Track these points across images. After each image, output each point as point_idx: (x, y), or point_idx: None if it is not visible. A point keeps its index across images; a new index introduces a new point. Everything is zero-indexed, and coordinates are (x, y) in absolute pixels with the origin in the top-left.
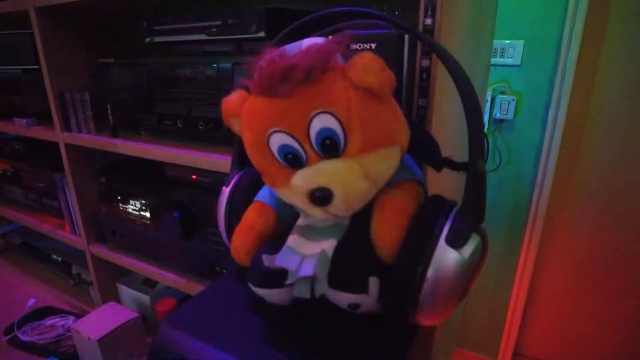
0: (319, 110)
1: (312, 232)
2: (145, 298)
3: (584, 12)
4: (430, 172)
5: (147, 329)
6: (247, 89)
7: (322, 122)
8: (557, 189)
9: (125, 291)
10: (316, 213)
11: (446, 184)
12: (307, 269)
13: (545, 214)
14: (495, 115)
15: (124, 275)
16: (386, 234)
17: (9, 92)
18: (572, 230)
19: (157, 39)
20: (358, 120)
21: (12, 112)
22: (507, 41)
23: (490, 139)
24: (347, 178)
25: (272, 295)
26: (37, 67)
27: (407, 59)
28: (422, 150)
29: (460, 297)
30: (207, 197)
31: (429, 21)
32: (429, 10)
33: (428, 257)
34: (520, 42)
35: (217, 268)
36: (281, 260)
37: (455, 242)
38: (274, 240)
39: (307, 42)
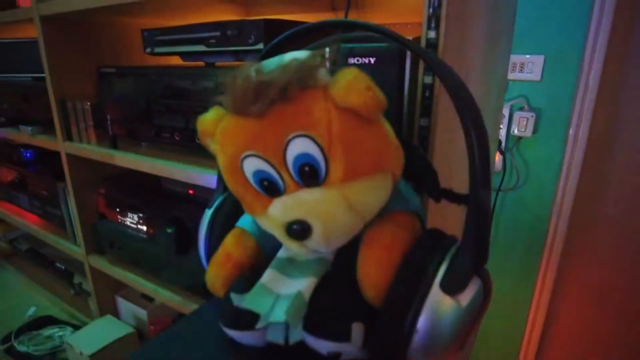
0: (297, 133)
1: (291, 267)
2: (143, 313)
3: (608, 25)
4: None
5: (142, 344)
6: (223, 106)
7: (300, 146)
8: (578, 210)
9: (124, 304)
10: (294, 247)
11: (450, 215)
12: (278, 314)
13: (565, 235)
14: (513, 131)
15: (123, 287)
16: (373, 273)
17: (18, 99)
18: (592, 253)
19: (158, 50)
20: (341, 145)
21: (20, 120)
22: (527, 55)
23: (507, 156)
24: (328, 210)
25: (243, 337)
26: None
27: (409, 75)
28: (420, 177)
29: (457, 349)
30: (202, 212)
31: (432, 34)
32: (433, 21)
33: (419, 304)
34: (541, 57)
35: None
36: (251, 301)
37: (452, 287)
38: (254, 271)
39: (288, 56)
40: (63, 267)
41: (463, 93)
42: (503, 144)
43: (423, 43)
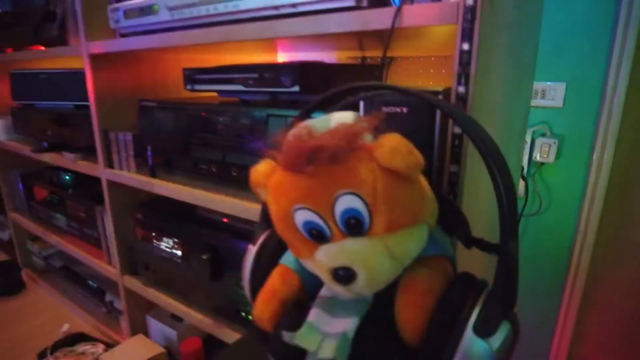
0: (345, 191)
1: (334, 307)
2: (173, 333)
3: (631, 51)
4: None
5: None
6: (275, 159)
7: (347, 202)
8: (602, 236)
9: (154, 324)
10: (339, 290)
11: (478, 254)
12: (327, 352)
13: (588, 263)
14: (535, 157)
15: (153, 307)
16: (411, 318)
17: (61, 125)
18: (618, 282)
19: (198, 88)
20: (384, 202)
21: (62, 145)
22: (549, 82)
23: (530, 182)
24: (372, 258)
25: None
26: (87, 103)
27: (439, 124)
28: (453, 226)
29: None
30: (236, 240)
31: (462, 89)
32: (462, 78)
33: (454, 346)
34: (563, 84)
35: (243, 313)
36: (301, 338)
37: (484, 330)
38: (297, 306)
39: (335, 118)
40: (95, 285)
41: (494, 154)
42: (525, 170)
43: (453, 97)
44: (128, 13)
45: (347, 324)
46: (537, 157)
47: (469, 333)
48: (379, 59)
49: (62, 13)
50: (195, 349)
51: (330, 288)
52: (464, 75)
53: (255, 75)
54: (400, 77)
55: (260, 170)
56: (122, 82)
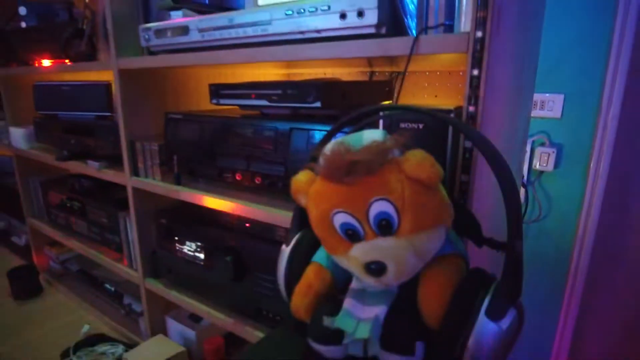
0: (378, 197)
1: (365, 297)
2: (191, 333)
3: (626, 65)
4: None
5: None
6: (312, 170)
7: (380, 206)
8: (600, 242)
9: (173, 324)
10: (370, 281)
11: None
12: (363, 332)
13: (587, 267)
14: (535, 166)
15: (172, 308)
16: (432, 304)
17: (86, 135)
18: (617, 287)
19: (223, 102)
20: (410, 206)
21: (84, 154)
22: (547, 94)
23: (530, 190)
24: (400, 254)
25: (329, 351)
26: (109, 114)
27: (451, 138)
28: (466, 227)
29: None
30: (257, 244)
31: (472, 108)
32: (472, 99)
33: (470, 328)
34: (561, 96)
35: (264, 312)
36: (340, 322)
37: (495, 315)
38: (329, 298)
39: (367, 136)
40: (113, 288)
41: (502, 167)
42: (525, 178)
43: (464, 116)
44: (159, 33)
45: (378, 310)
46: (537, 165)
47: (482, 317)
48: (386, 73)
49: (90, 30)
50: (217, 345)
51: (363, 280)
52: (473, 97)
53: (279, 92)
54: (408, 91)
55: (301, 179)
56: (147, 94)
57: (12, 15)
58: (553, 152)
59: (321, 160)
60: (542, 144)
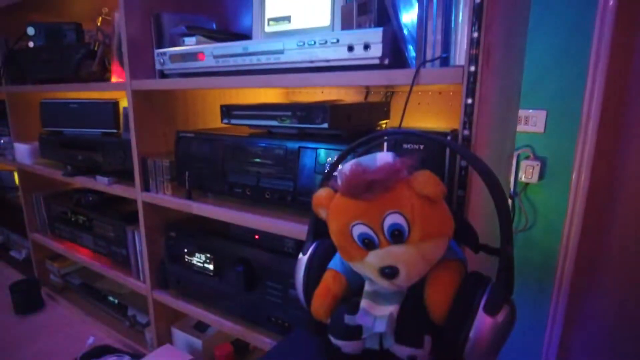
0: (392, 211)
1: (378, 297)
2: (198, 342)
3: (602, 85)
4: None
5: None
6: (332, 187)
7: (393, 218)
8: (583, 251)
9: (179, 334)
10: (384, 284)
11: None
12: (380, 327)
13: (571, 276)
14: (521, 178)
15: (178, 319)
16: (438, 302)
17: (91, 151)
18: (602, 294)
19: (234, 122)
20: (419, 218)
21: (91, 169)
22: (531, 110)
23: (516, 200)
24: (410, 259)
25: (348, 346)
26: (115, 130)
27: (449, 157)
28: (464, 236)
29: (496, 352)
30: (267, 254)
31: (466, 132)
32: (467, 124)
33: (470, 322)
34: (543, 112)
35: (272, 319)
36: (360, 319)
37: (491, 310)
38: (345, 300)
39: (380, 158)
40: (116, 300)
41: (495, 184)
42: (512, 189)
43: (460, 139)
44: (174, 57)
45: (392, 309)
46: (522, 177)
47: (481, 312)
48: (381, 93)
49: (102, 52)
50: (228, 352)
51: (377, 283)
52: (468, 122)
53: (288, 113)
54: (401, 108)
55: (322, 195)
56: (158, 114)
57: (21, 35)
58: (537, 164)
59: (340, 178)
60: (527, 157)
